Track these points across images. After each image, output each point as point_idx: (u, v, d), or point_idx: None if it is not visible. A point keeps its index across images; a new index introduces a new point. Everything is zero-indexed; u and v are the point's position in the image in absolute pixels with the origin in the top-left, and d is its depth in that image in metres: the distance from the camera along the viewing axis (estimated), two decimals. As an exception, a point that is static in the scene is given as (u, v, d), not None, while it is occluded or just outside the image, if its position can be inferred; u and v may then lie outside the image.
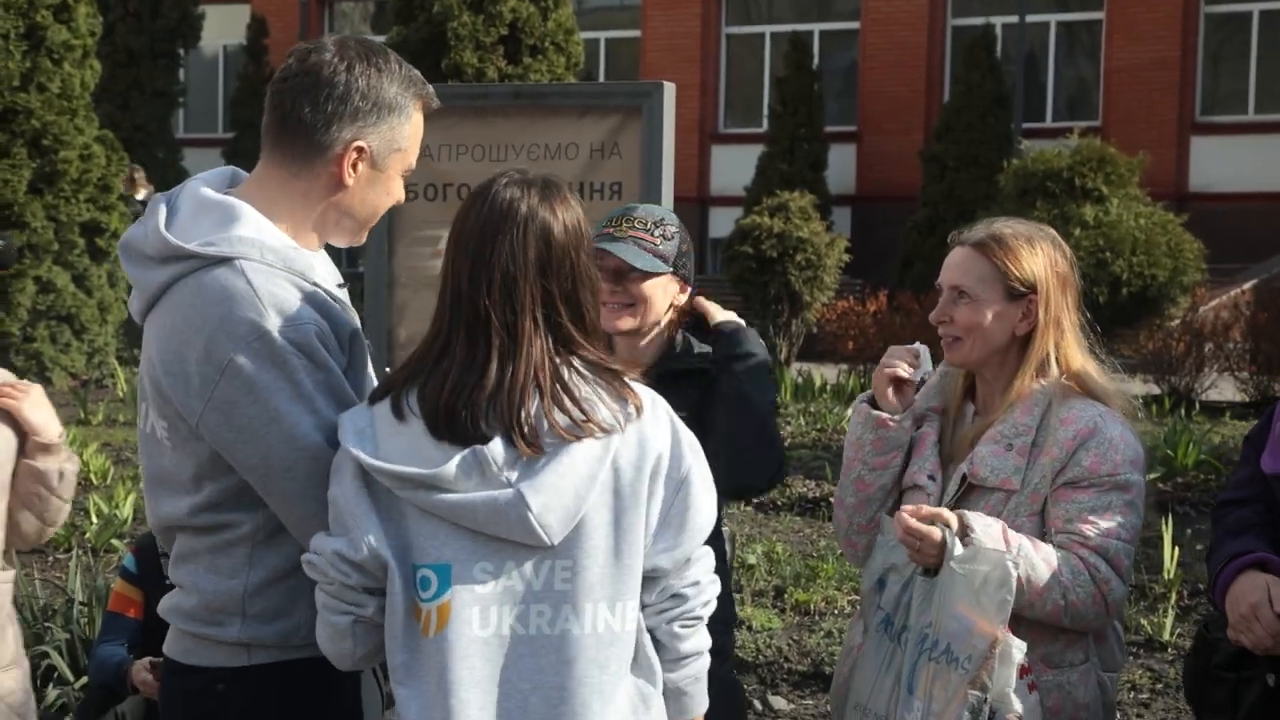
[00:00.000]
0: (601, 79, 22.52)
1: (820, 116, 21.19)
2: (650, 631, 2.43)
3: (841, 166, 21.72)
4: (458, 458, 2.31)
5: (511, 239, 2.36)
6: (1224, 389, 13.27)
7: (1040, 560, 2.79)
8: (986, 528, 2.77)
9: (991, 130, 19.69)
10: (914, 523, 2.76)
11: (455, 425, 2.32)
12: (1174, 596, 6.55)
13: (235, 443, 2.42)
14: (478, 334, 2.35)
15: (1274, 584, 2.68)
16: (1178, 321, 14.06)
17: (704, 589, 2.45)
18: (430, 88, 2.63)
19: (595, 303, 2.43)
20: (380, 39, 18.96)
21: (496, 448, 2.32)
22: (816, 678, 5.77)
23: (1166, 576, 6.73)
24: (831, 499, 8.27)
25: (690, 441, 2.43)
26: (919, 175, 20.10)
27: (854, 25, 22.68)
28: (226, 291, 2.40)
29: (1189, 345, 13.38)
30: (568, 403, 2.33)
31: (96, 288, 14.40)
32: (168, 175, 21.71)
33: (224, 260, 2.42)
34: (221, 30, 24.45)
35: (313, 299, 2.46)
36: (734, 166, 21.99)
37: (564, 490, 2.31)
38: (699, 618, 2.45)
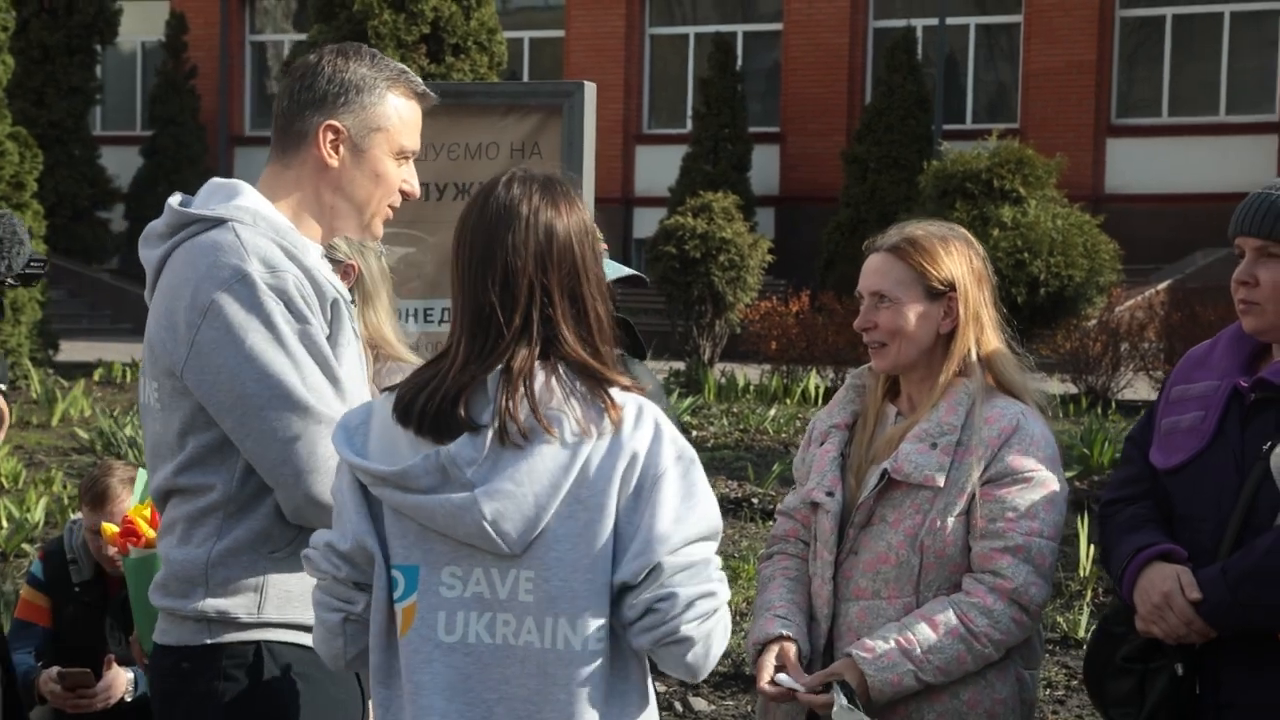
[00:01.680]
0: (525, 79, 22.45)
1: (743, 117, 21.27)
2: (642, 652, 2.33)
3: (765, 167, 21.82)
4: (419, 456, 2.29)
5: (514, 234, 2.34)
6: (1139, 388, 13.47)
7: (946, 641, 2.84)
8: (880, 671, 2.83)
9: (912, 132, 19.85)
10: (773, 692, 2.91)
11: (427, 421, 2.30)
12: (1089, 594, 6.63)
13: (214, 384, 2.52)
14: (477, 332, 2.33)
15: (1183, 573, 2.73)
16: (1094, 321, 14.24)
17: (679, 602, 2.28)
18: (414, 76, 2.74)
19: (603, 303, 2.38)
20: (301, 37, 18.80)
21: (460, 447, 2.28)
22: (737, 679, 5.79)
23: (1082, 574, 6.82)
24: (753, 499, 8.33)
25: (675, 448, 2.33)
26: (841, 176, 20.22)
27: (777, 27, 22.78)
28: (216, 244, 2.56)
29: (1105, 345, 13.56)
30: (529, 405, 2.27)
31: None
32: (87, 172, 21.42)
33: (219, 222, 2.59)
34: (139, 26, 24.12)
35: (295, 260, 2.58)
36: (658, 167, 22.02)
37: (521, 497, 2.27)
38: (685, 639, 2.28)
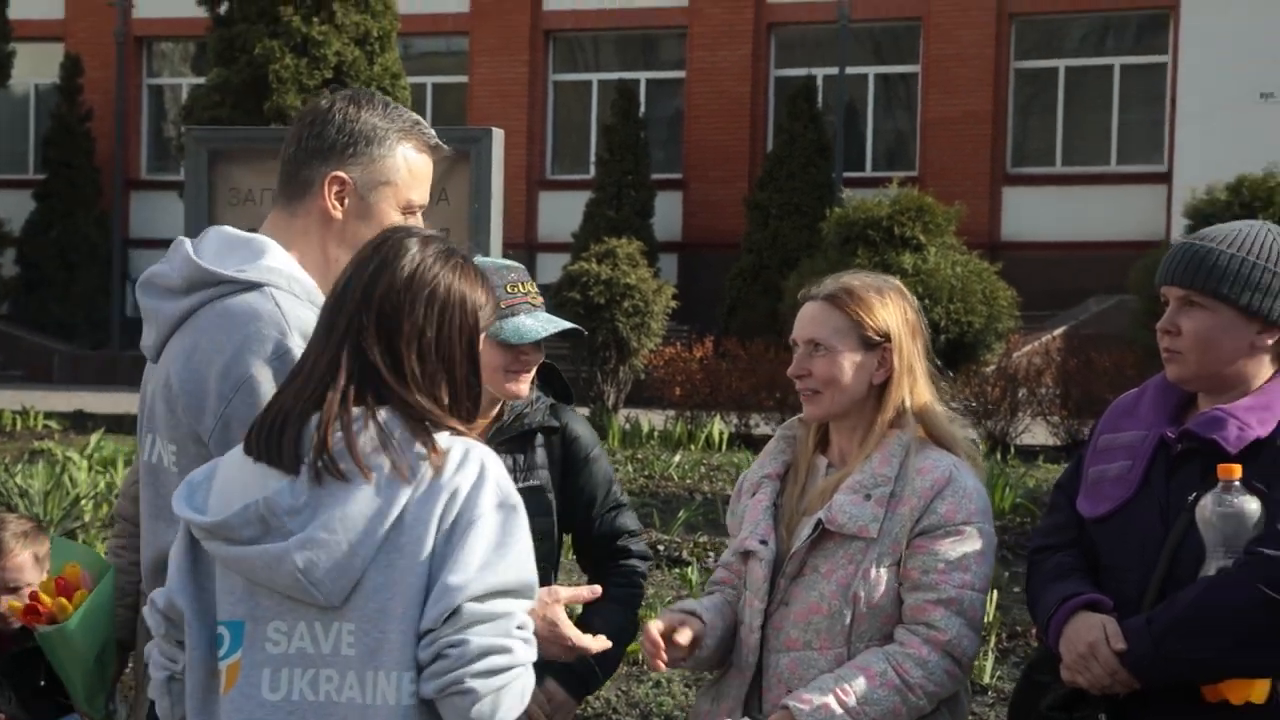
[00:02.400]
0: (429, 124, 22.37)
1: (646, 164, 21.37)
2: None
3: (668, 214, 21.91)
4: (238, 506, 2.23)
5: (361, 267, 2.31)
6: (1037, 433, 13.64)
7: (881, 693, 2.84)
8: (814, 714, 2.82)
9: (813, 179, 20.05)
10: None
11: (261, 452, 2.26)
12: (993, 639, 6.67)
13: None
14: (312, 351, 2.32)
15: (1109, 623, 2.74)
16: (993, 368, 14.43)
17: (469, 651, 2.16)
18: (427, 128, 2.66)
19: (429, 359, 2.29)
20: (200, 81, 18.61)
21: (278, 495, 2.22)
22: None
23: (987, 619, 6.86)
24: (659, 546, 8.30)
25: (498, 494, 2.24)
26: (743, 223, 20.36)
27: (679, 75, 22.95)
28: (254, 312, 2.47)
29: (1004, 391, 13.73)
30: (341, 444, 2.20)
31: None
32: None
33: (253, 286, 2.49)
34: (33, 68, 23.76)
35: None
36: (561, 213, 22.04)
37: (335, 545, 2.19)
38: (468, 690, 2.16)
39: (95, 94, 23.27)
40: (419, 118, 2.67)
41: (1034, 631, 6.61)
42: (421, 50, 23.74)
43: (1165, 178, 20.50)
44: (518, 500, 2.27)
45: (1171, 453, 2.81)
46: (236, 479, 2.29)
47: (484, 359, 2.42)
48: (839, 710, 2.82)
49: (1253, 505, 2.64)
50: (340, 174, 2.57)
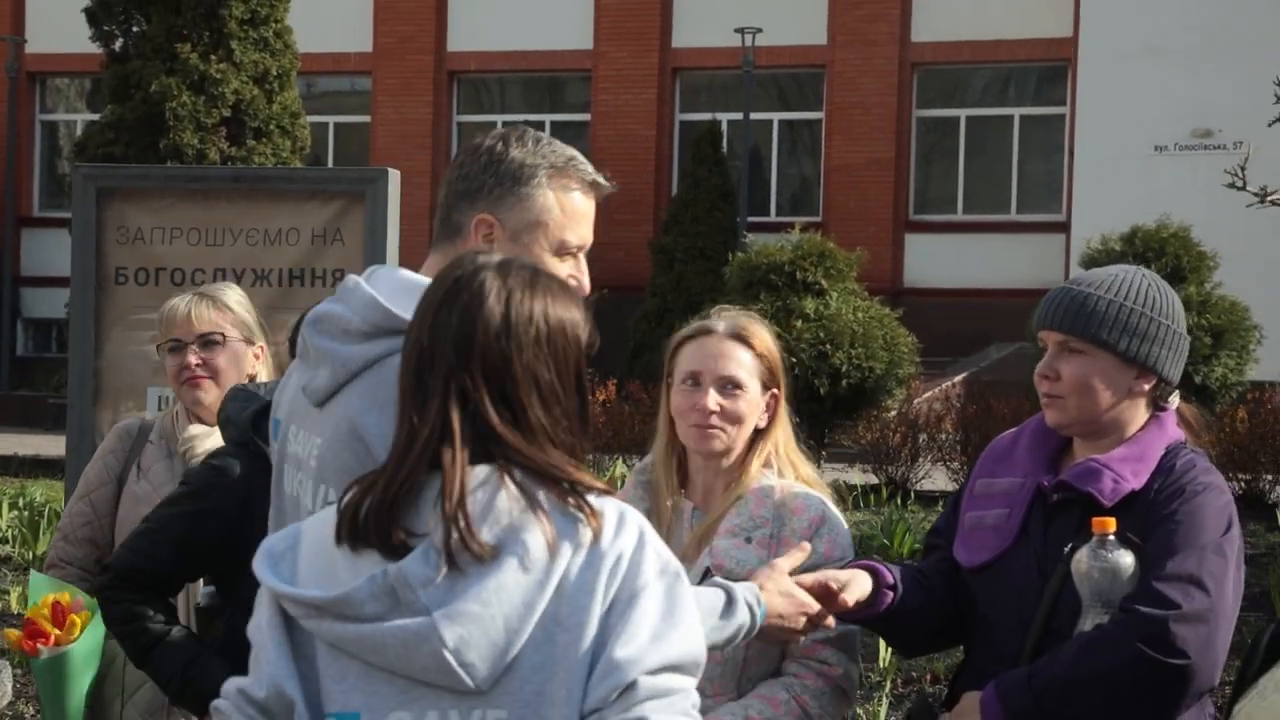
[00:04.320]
0: (331, 164, 22.23)
1: (551, 206, 21.35)
2: None
3: (572, 256, 21.91)
4: (366, 576, 1.94)
5: (440, 316, 2.02)
6: (937, 478, 13.74)
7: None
8: None
9: (718, 223, 20.16)
10: None
11: (361, 533, 1.97)
12: (889, 685, 6.67)
13: None
14: (408, 421, 2.02)
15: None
16: (894, 413, 14.53)
17: None
18: (584, 163, 2.48)
19: (554, 405, 2.04)
20: (94, 117, 18.33)
21: (412, 563, 1.93)
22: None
23: (882, 665, 6.86)
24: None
25: (660, 560, 2.01)
26: (649, 266, 20.41)
27: (585, 117, 23.01)
28: None
29: (904, 436, 13.83)
30: (480, 518, 1.94)
31: None
32: None
33: None
34: (-74, 101, 23.34)
35: None
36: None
37: (489, 621, 1.92)
38: None
39: (-11, 129, 22.88)
40: (575, 153, 2.49)
41: (928, 678, 6.62)
42: (324, 89, 23.60)
43: (1064, 227, 20.84)
44: (679, 568, 2.04)
45: (1048, 502, 2.80)
46: (334, 552, 2.00)
47: None
48: None
49: (1127, 560, 2.64)
50: (487, 216, 2.41)
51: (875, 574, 2.83)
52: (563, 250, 2.47)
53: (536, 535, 1.94)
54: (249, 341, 3.61)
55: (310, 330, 2.38)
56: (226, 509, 2.97)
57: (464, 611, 1.91)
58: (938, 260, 21.49)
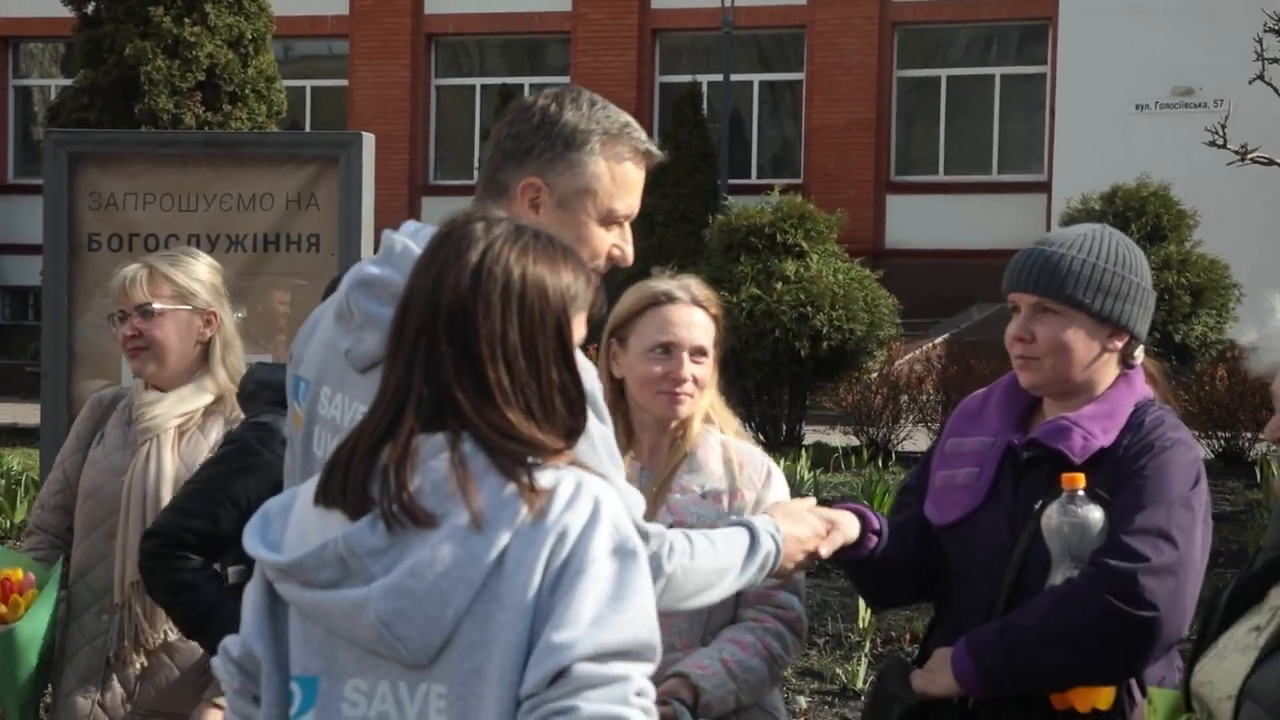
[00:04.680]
0: (308, 128, 22.12)
1: (531, 170, 21.29)
2: None
3: (553, 220, 21.86)
4: (318, 543, 1.93)
5: (425, 267, 1.99)
6: (918, 440, 13.77)
7: (755, 663, 2.92)
8: (716, 688, 2.84)
9: (699, 186, 20.11)
10: None
11: (330, 493, 1.96)
12: (868, 645, 6.70)
13: None
14: (383, 380, 2.00)
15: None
16: (875, 375, 14.54)
17: (579, 718, 1.83)
18: (638, 130, 2.42)
19: (517, 368, 1.95)
20: (68, 82, 18.18)
21: (359, 532, 1.91)
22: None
23: (861, 625, 6.88)
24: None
25: (615, 536, 1.92)
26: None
27: (564, 80, 22.89)
28: None
29: (886, 397, 13.85)
30: (422, 487, 1.90)
31: None
32: None
33: None
34: (-101, 67, 23.14)
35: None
36: (444, 219, 21.86)
37: (423, 594, 1.87)
38: None
39: (-36, 96, 22.71)
40: (630, 119, 2.43)
41: (907, 637, 6.65)
42: (301, 53, 23.45)
43: (1045, 187, 20.84)
44: (638, 545, 1.94)
45: (1018, 460, 2.81)
46: (312, 513, 2.00)
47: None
48: (728, 678, 2.88)
49: (1096, 515, 2.65)
50: (535, 180, 2.34)
51: (862, 517, 2.88)
52: (609, 219, 2.42)
53: (476, 507, 1.88)
54: (197, 310, 3.55)
55: (359, 294, 2.30)
56: (275, 465, 2.93)
57: (398, 584, 1.88)
58: (919, 221, 21.48)
